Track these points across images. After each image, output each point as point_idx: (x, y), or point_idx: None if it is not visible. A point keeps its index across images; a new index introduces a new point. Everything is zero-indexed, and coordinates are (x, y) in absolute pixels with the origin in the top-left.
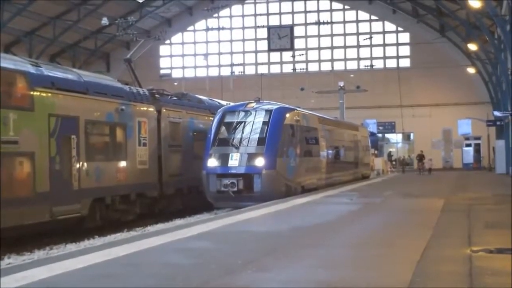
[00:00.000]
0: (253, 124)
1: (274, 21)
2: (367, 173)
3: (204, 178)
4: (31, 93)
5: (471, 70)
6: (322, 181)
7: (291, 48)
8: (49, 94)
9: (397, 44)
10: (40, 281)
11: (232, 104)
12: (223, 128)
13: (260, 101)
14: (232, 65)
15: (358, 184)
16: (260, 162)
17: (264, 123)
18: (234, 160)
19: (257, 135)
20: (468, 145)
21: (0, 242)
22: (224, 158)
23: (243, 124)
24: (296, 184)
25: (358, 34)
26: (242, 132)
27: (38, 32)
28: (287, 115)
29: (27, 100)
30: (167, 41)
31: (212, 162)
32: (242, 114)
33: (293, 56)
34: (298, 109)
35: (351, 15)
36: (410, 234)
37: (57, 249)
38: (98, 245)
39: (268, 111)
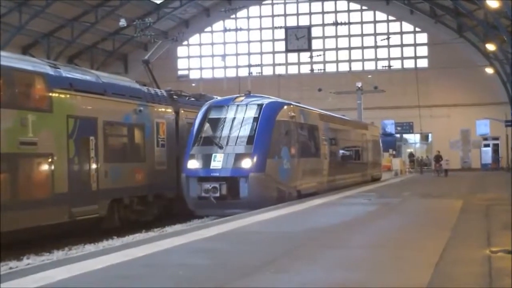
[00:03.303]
0: (241, 121)
1: (291, 22)
2: (378, 175)
3: (183, 182)
4: (50, 94)
5: (489, 71)
6: (323, 185)
7: (309, 48)
8: (67, 96)
9: (415, 45)
10: (59, 282)
11: (220, 98)
12: (207, 125)
13: (251, 94)
14: (249, 66)
15: (376, 185)
16: (247, 163)
17: (253, 119)
18: (217, 162)
19: (244, 133)
20: (487, 146)
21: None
22: (206, 159)
23: (229, 120)
24: (290, 188)
25: (375, 34)
26: (228, 130)
27: (56, 34)
28: (280, 110)
29: (45, 102)
30: (185, 42)
31: (193, 164)
32: (229, 109)
33: (311, 56)
34: (294, 104)
35: (368, 15)
36: (429, 235)
37: (76, 249)
38: (116, 246)
39: (258, 106)
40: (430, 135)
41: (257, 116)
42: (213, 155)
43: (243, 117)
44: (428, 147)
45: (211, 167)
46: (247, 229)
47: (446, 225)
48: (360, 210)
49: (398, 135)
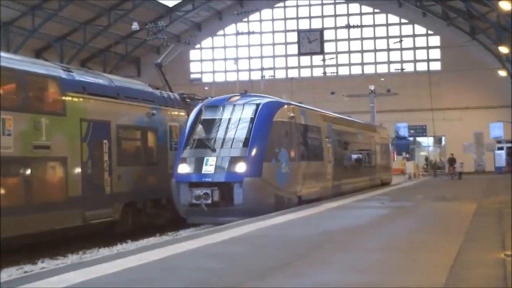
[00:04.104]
0: (235, 122)
1: (304, 25)
2: (388, 178)
3: (173, 188)
4: (63, 98)
5: (502, 73)
6: (327, 190)
7: (321, 51)
8: (81, 99)
9: (428, 47)
10: (74, 285)
11: (214, 98)
12: (199, 127)
13: (248, 94)
14: (262, 69)
15: (389, 188)
16: (241, 167)
17: (249, 120)
18: (210, 166)
19: (239, 135)
20: (500, 148)
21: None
22: (198, 163)
23: (223, 121)
24: (289, 194)
25: (388, 37)
26: (221, 131)
27: (69, 38)
28: (278, 110)
29: (59, 105)
30: (197, 46)
31: (184, 168)
32: (223, 109)
33: (323, 60)
34: (294, 103)
35: (381, 18)
36: (443, 238)
37: (90, 253)
38: (131, 250)
39: (254, 106)
40: (443, 138)
41: (253, 116)
42: (205, 158)
43: (238, 118)
44: (441, 150)
45: (202, 172)
46: (260, 233)
47: (460, 228)
48: (373, 214)
49: (411, 138)
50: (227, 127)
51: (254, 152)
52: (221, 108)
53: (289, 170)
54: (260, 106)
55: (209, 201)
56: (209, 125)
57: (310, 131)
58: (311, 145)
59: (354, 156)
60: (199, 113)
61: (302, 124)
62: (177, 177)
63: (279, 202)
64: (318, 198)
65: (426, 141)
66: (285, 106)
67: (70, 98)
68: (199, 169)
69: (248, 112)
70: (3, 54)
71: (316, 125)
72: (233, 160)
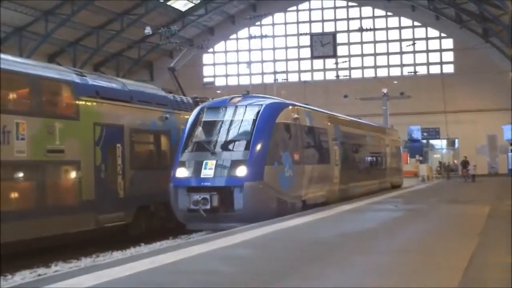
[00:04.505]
0: (236, 123)
1: (316, 28)
2: (398, 182)
3: (171, 192)
4: (76, 102)
5: None
6: (334, 194)
7: (334, 55)
8: (94, 103)
9: (441, 50)
10: None
11: (216, 99)
12: (199, 129)
13: (250, 95)
14: (275, 72)
15: (402, 191)
16: (241, 171)
17: (250, 121)
18: (209, 170)
19: (240, 137)
20: None
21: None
22: (196, 167)
23: (223, 123)
24: (293, 198)
25: (401, 40)
26: (221, 134)
27: (82, 42)
28: (282, 111)
29: (72, 110)
30: (210, 50)
31: (182, 172)
32: (223, 111)
33: (336, 63)
34: (298, 104)
35: (393, 21)
36: (457, 240)
37: (104, 256)
38: (144, 253)
39: (256, 107)
40: (456, 140)
41: (255, 118)
42: (204, 162)
43: (239, 120)
44: (454, 152)
45: (201, 176)
46: (274, 236)
47: (474, 231)
48: (387, 216)
49: (424, 141)
50: (227, 129)
51: (255, 155)
52: (222, 109)
53: (292, 174)
54: (262, 108)
55: (208, 207)
56: (209, 127)
57: (315, 133)
58: (316, 148)
59: (363, 159)
60: (199, 114)
61: (307, 125)
62: (175, 181)
63: (281, 207)
64: (324, 203)
65: (440, 143)
66: (289, 107)
67: (83, 103)
68: (198, 173)
69: (249, 113)
70: (17, 59)
71: (322, 127)
72: (234, 164)
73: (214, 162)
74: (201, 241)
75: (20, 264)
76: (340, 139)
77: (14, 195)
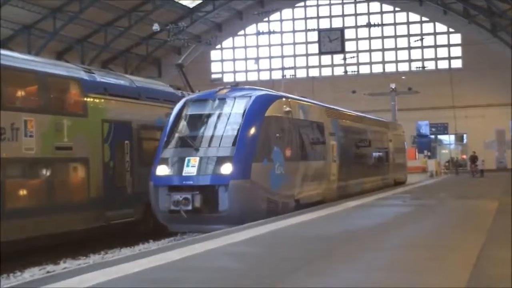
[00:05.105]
0: (221, 117)
1: (324, 24)
2: (402, 178)
3: (151, 192)
4: (85, 99)
5: None
6: (332, 192)
7: (342, 50)
8: (102, 100)
9: (449, 45)
10: (96, 285)
11: (202, 92)
12: (182, 124)
13: (239, 87)
14: (283, 68)
15: (410, 187)
16: (226, 169)
17: (237, 115)
18: (191, 167)
19: (225, 132)
20: None
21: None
22: (178, 165)
23: (208, 117)
24: (284, 197)
25: (409, 35)
26: (206, 129)
27: (90, 39)
28: (272, 104)
29: (80, 107)
30: (218, 46)
31: (163, 170)
32: (210, 104)
33: (344, 58)
34: (291, 97)
35: (401, 17)
36: (465, 236)
37: (112, 253)
38: (152, 250)
39: (245, 99)
40: (465, 135)
41: (242, 111)
42: (186, 159)
43: (226, 113)
44: (463, 147)
45: (183, 174)
46: (281, 232)
47: (483, 226)
48: (395, 212)
49: (432, 136)
50: (211, 124)
51: (242, 151)
52: (206, 102)
53: (284, 171)
54: (251, 100)
55: (190, 207)
56: (193, 121)
57: (311, 128)
58: (311, 143)
59: (363, 155)
60: (182, 108)
61: (301, 119)
62: (155, 180)
63: (271, 207)
64: (321, 201)
65: (448, 139)
66: (281, 100)
67: (91, 99)
68: (180, 171)
69: (237, 106)
70: (25, 56)
71: (318, 120)
72: (219, 161)
73: (197, 159)
74: (208, 237)
75: (29, 261)
76: (338, 133)
77: (23, 192)
